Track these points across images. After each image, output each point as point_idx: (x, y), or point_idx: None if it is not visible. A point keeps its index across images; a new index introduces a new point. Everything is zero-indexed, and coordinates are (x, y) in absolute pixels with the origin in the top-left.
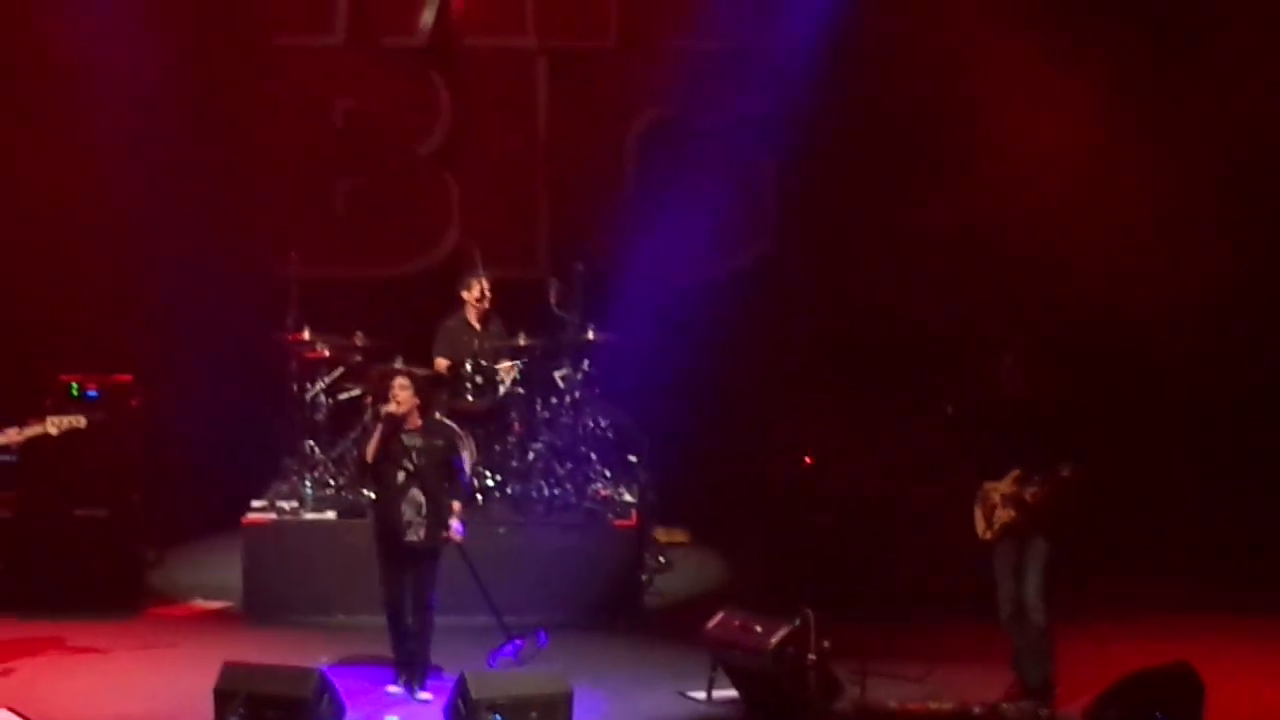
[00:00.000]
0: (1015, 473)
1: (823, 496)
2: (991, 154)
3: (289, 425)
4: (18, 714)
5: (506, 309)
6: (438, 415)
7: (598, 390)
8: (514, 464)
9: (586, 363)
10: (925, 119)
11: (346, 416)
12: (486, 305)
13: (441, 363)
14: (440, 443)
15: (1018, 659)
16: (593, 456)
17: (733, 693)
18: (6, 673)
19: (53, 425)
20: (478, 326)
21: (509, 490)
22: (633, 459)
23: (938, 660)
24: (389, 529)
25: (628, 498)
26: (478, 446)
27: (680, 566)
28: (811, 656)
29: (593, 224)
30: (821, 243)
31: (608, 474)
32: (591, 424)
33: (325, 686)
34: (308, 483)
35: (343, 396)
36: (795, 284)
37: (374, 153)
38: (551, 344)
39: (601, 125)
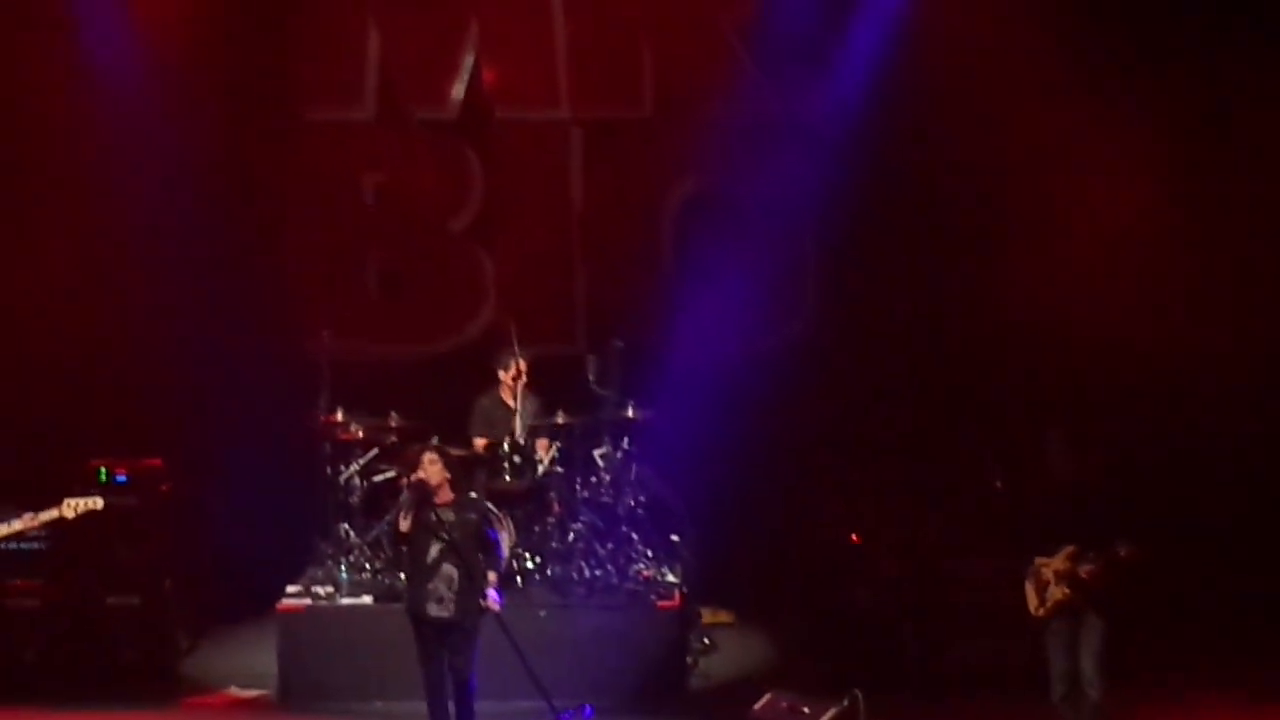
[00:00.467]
0: (1069, 549)
1: (870, 574)
2: (1036, 225)
3: (323, 508)
4: None
5: (544, 386)
6: (472, 494)
7: (638, 468)
8: (554, 545)
9: (626, 440)
10: (968, 190)
11: (382, 499)
12: (523, 384)
13: (479, 442)
14: (473, 516)
15: None
16: (634, 536)
17: None
18: None
19: (69, 508)
20: (514, 405)
21: (549, 572)
22: (675, 538)
23: None
24: (421, 604)
25: (670, 578)
26: (516, 527)
27: (725, 647)
28: None
29: (630, 299)
30: (863, 315)
31: (650, 554)
32: (632, 503)
33: None
34: (343, 567)
35: (378, 478)
36: (837, 357)
37: (406, 228)
38: (590, 422)
39: (638, 197)
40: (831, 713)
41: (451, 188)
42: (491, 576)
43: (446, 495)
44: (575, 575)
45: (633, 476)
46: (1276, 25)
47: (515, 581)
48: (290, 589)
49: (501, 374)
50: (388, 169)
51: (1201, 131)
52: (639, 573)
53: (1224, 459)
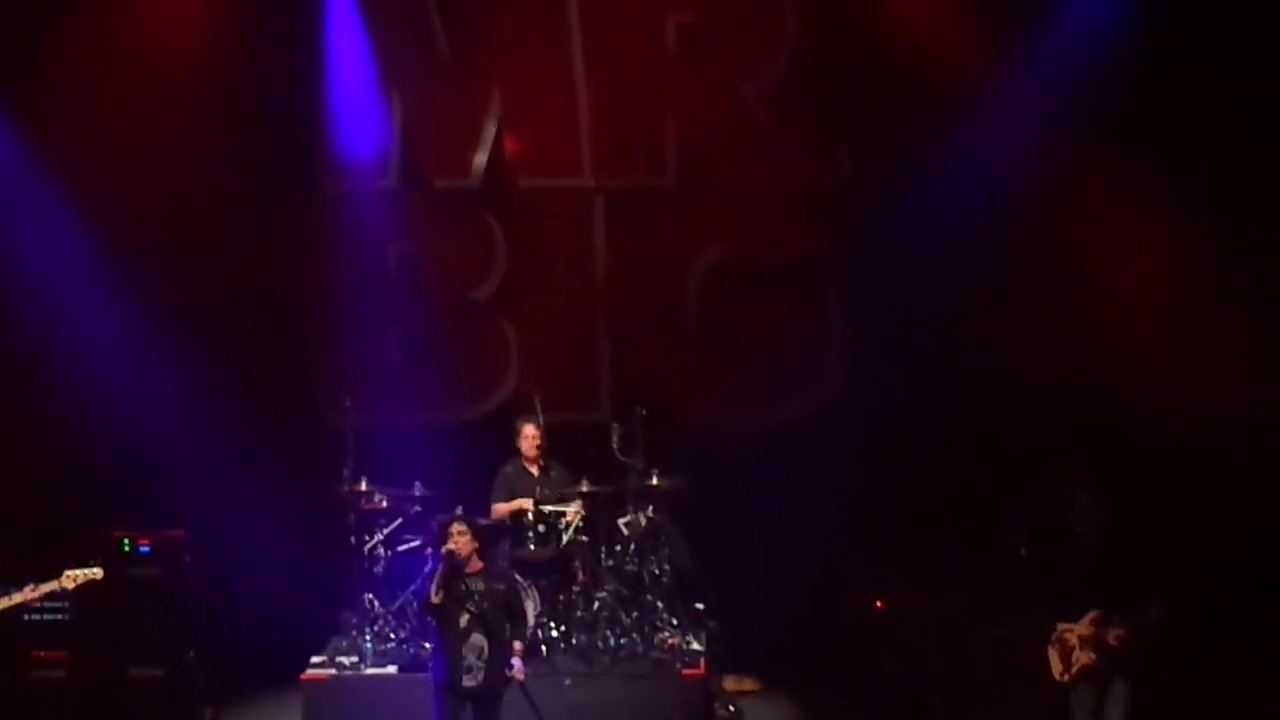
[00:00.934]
0: (1094, 614)
1: (895, 641)
2: (1063, 290)
3: (348, 578)
4: None
5: (568, 454)
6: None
7: (663, 536)
8: (579, 613)
9: (651, 509)
10: (996, 255)
11: (406, 568)
12: (538, 450)
13: (500, 509)
14: (502, 586)
15: None
16: (659, 604)
17: None
18: None
19: (69, 579)
20: (536, 472)
21: (574, 640)
22: (699, 606)
23: None
24: (451, 674)
25: (695, 646)
26: (541, 596)
27: (751, 715)
28: None
29: (654, 366)
30: (887, 379)
31: (675, 622)
32: (657, 571)
33: None
34: (368, 636)
35: (402, 548)
36: (862, 422)
37: (430, 297)
38: (615, 490)
39: (661, 264)
40: None
41: (475, 256)
42: (517, 646)
43: (475, 565)
44: (600, 644)
45: (660, 542)
46: None
47: (540, 650)
48: (315, 659)
49: (518, 441)
50: (411, 238)
51: (1236, 192)
52: (664, 641)
53: (1255, 517)
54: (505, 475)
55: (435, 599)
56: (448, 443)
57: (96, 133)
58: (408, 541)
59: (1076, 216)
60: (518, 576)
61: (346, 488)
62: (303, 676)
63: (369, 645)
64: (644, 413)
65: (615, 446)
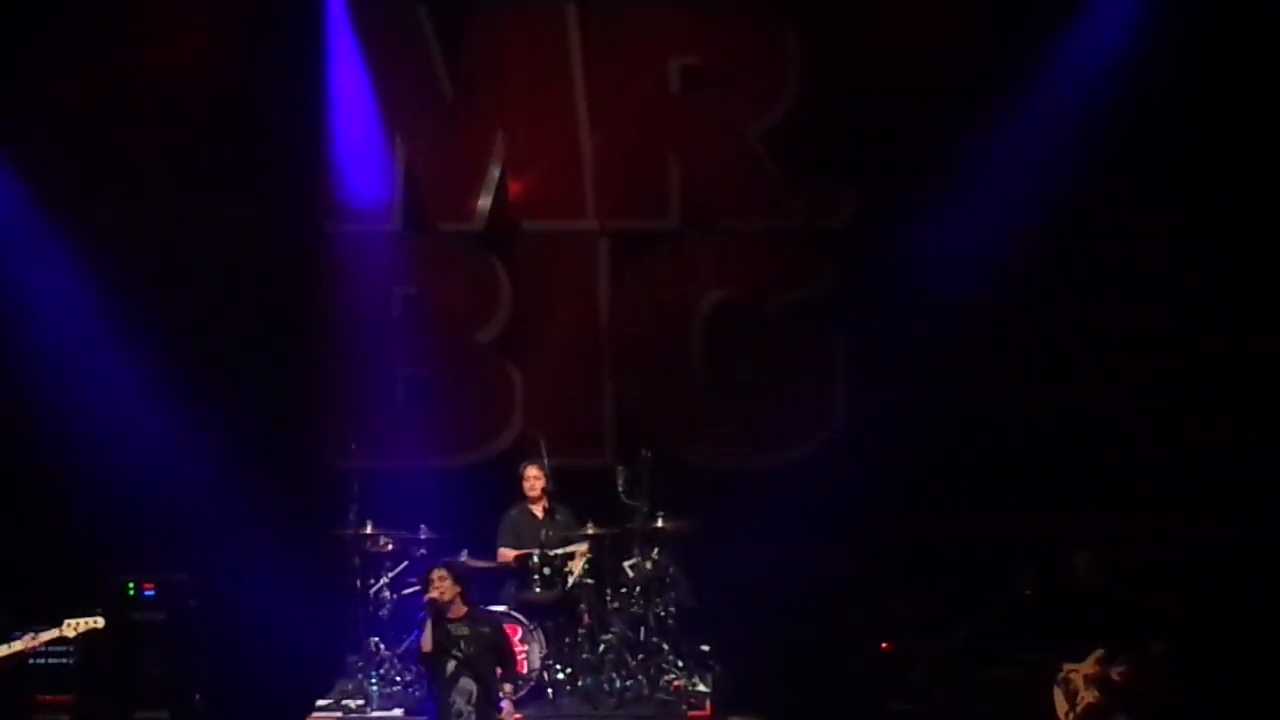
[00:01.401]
0: (1098, 653)
1: (901, 682)
2: (1072, 330)
3: (353, 621)
4: None
5: (573, 497)
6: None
7: (668, 578)
8: (584, 656)
9: (656, 551)
10: (1002, 296)
11: (411, 611)
12: (542, 493)
13: (506, 553)
14: (487, 630)
15: None
16: (664, 646)
17: None
18: None
19: (69, 628)
20: (540, 515)
21: (580, 683)
22: (705, 648)
23: None
24: (441, 718)
25: (701, 687)
26: (546, 639)
27: None
28: None
29: (659, 409)
30: (892, 419)
31: (680, 664)
32: (663, 613)
33: None
34: (374, 679)
35: (407, 591)
36: (866, 465)
37: (434, 340)
38: (620, 533)
39: (666, 307)
40: None
41: (479, 299)
42: (508, 688)
43: (459, 610)
44: (606, 686)
45: (669, 581)
46: None
47: (546, 693)
48: (321, 702)
49: (523, 484)
50: (415, 281)
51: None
52: (670, 683)
53: (1255, 562)
54: (510, 519)
55: (426, 648)
56: (453, 486)
57: (97, 177)
58: (413, 585)
59: (1088, 253)
60: (522, 618)
61: (352, 531)
62: None
63: (374, 688)
64: (649, 455)
65: (620, 489)
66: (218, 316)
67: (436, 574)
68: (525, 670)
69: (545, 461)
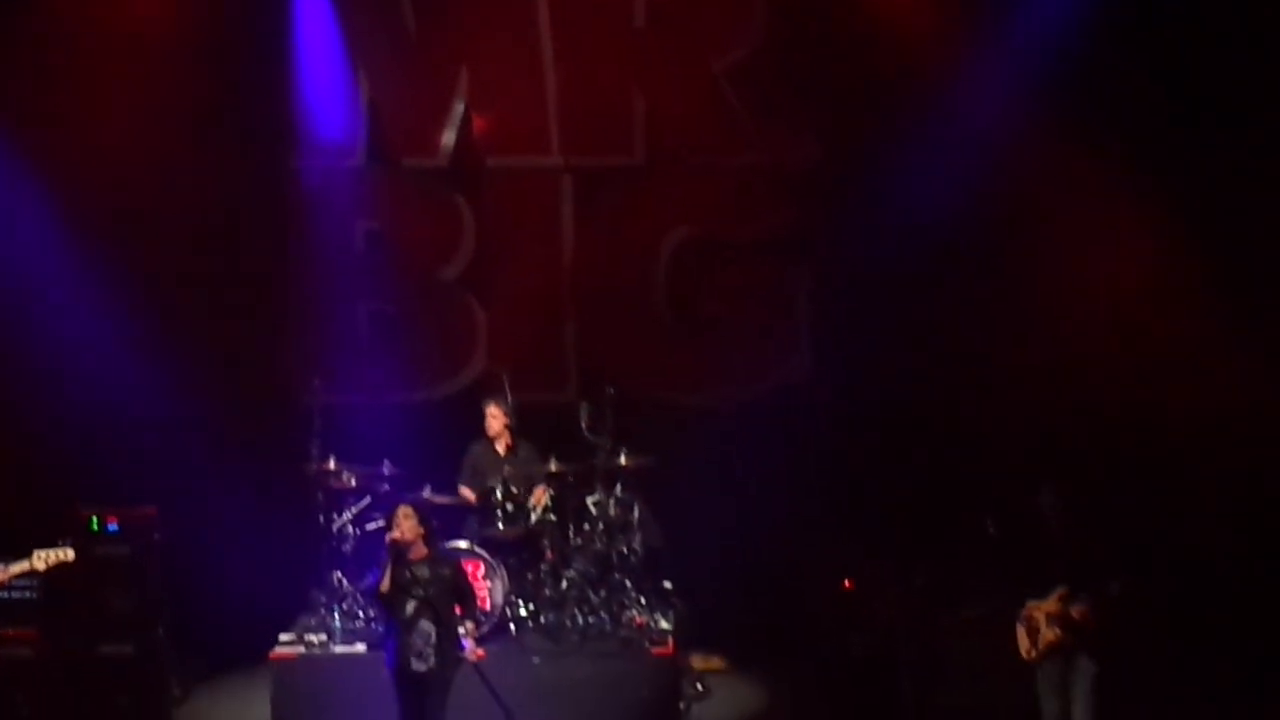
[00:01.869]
0: (1060, 591)
1: (863, 620)
2: (1034, 274)
3: (316, 557)
4: None
5: (536, 433)
6: (459, 543)
7: (632, 515)
8: (547, 592)
9: (620, 488)
10: (967, 237)
11: (375, 547)
12: (504, 430)
13: (466, 492)
14: (447, 571)
15: None
16: (627, 583)
17: None
18: None
19: (40, 560)
20: (502, 451)
21: (542, 619)
22: (668, 585)
23: None
24: (400, 659)
25: (664, 624)
26: (509, 575)
27: (718, 693)
28: None
29: (623, 345)
30: (856, 359)
31: (643, 601)
32: (626, 550)
33: None
34: (336, 615)
35: (370, 527)
36: (830, 401)
37: (397, 276)
38: (583, 469)
39: (630, 244)
40: None
41: (443, 236)
42: (469, 626)
43: (420, 551)
44: (568, 622)
45: (635, 518)
46: None
47: (509, 629)
48: (284, 637)
49: (485, 421)
50: (379, 217)
51: (1212, 191)
52: (632, 619)
53: (1221, 506)
54: (472, 455)
55: (384, 588)
56: (417, 421)
57: (61, 112)
58: (376, 520)
59: (1050, 202)
60: (485, 554)
61: (315, 467)
62: (271, 654)
63: (337, 623)
64: (612, 391)
65: (584, 425)
66: (182, 252)
67: (402, 512)
68: (488, 607)
69: (507, 399)
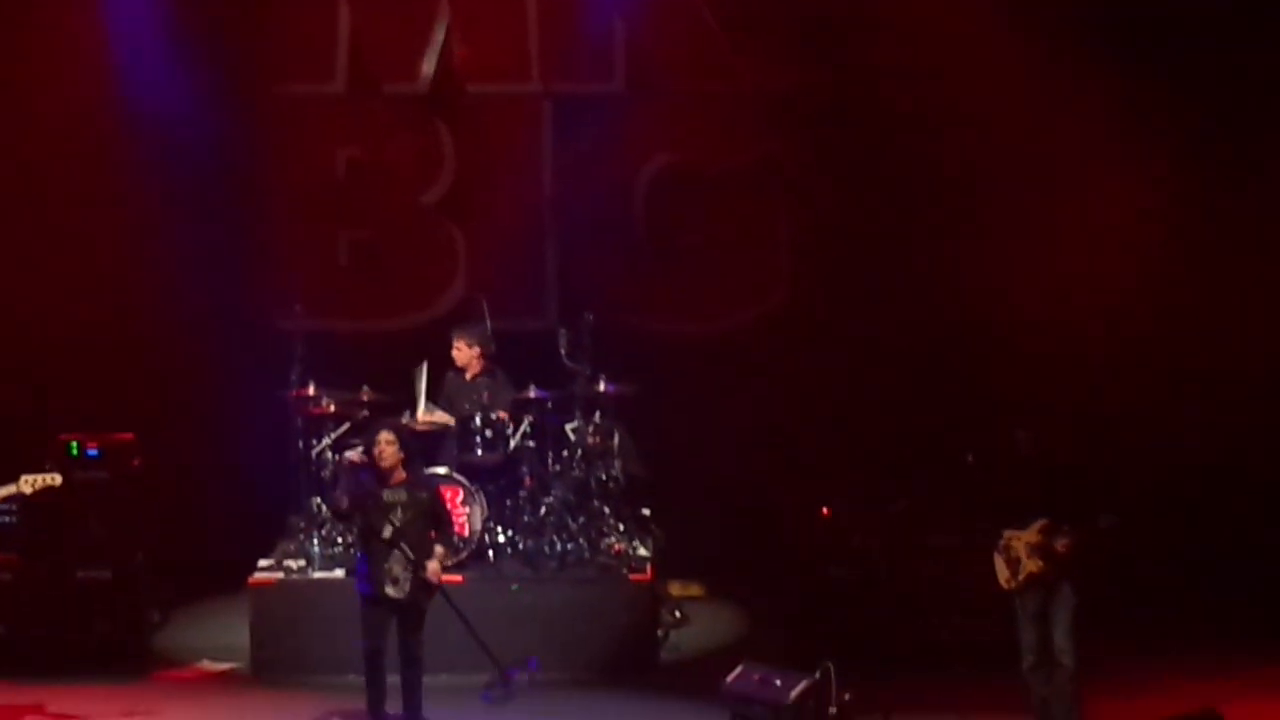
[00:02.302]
0: (1042, 522)
1: (840, 548)
2: (1019, 207)
3: (295, 483)
4: None
5: (515, 360)
6: (438, 468)
7: (611, 442)
8: (525, 519)
9: (598, 415)
10: (945, 164)
11: (354, 474)
12: (465, 362)
13: (443, 415)
14: (424, 495)
15: (1043, 708)
16: (605, 510)
17: None
18: None
19: (26, 484)
20: (469, 379)
21: (521, 545)
22: (646, 512)
23: (960, 712)
24: (376, 585)
25: (642, 551)
26: (488, 501)
27: (696, 620)
28: (832, 710)
29: (602, 272)
30: (836, 289)
31: (621, 527)
32: (604, 477)
33: None
34: (315, 541)
35: (349, 452)
36: (810, 331)
37: (378, 202)
38: (562, 396)
39: (610, 171)
40: (803, 685)
41: (423, 162)
42: (439, 550)
43: (399, 475)
44: (547, 549)
45: (614, 445)
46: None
47: (487, 555)
48: (262, 563)
49: (452, 352)
50: (359, 143)
51: (1200, 142)
52: (610, 546)
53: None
54: (446, 380)
55: (341, 505)
56: (396, 348)
57: (39, 38)
58: (355, 446)
59: (1040, 137)
60: (464, 480)
61: (294, 392)
62: (250, 580)
63: (316, 549)
64: (591, 318)
65: (563, 352)
66: (161, 179)
67: (384, 437)
68: (466, 533)
69: (472, 330)
